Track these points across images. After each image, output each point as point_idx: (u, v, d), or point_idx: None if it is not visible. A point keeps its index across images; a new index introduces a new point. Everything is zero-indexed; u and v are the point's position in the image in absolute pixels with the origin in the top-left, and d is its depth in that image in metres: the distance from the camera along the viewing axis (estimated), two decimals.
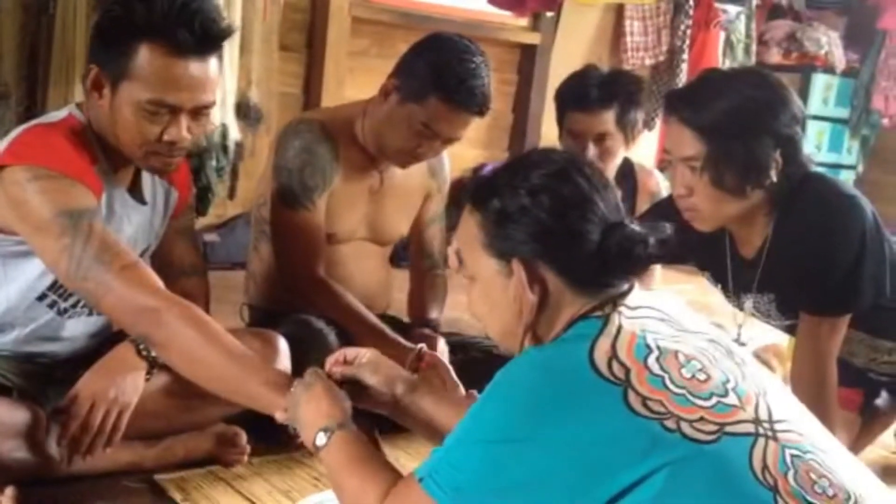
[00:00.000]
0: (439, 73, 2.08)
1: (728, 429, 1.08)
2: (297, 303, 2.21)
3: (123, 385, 1.65)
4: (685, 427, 1.06)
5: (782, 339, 2.48)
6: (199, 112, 1.68)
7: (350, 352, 1.51)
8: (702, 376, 1.12)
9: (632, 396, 1.08)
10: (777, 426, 1.11)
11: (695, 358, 1.13)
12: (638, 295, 1.22)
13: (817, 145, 5.74)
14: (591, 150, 2.56)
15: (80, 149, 1.66)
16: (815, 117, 5.68)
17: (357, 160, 2.26)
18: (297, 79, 4.29)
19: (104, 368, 1.66)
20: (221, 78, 1.79)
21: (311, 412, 1.35)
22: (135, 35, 1.61)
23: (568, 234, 1.20)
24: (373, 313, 2.19)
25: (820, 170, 2.01)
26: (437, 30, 2.28)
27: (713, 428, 1.07)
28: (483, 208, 1.25)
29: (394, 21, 4.50)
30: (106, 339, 1.77)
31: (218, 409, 1.82)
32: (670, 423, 1.06)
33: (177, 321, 1.53)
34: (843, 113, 5.89)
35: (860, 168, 6.04)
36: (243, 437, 1.89)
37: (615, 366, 1.10)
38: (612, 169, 2.65)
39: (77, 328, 1.79)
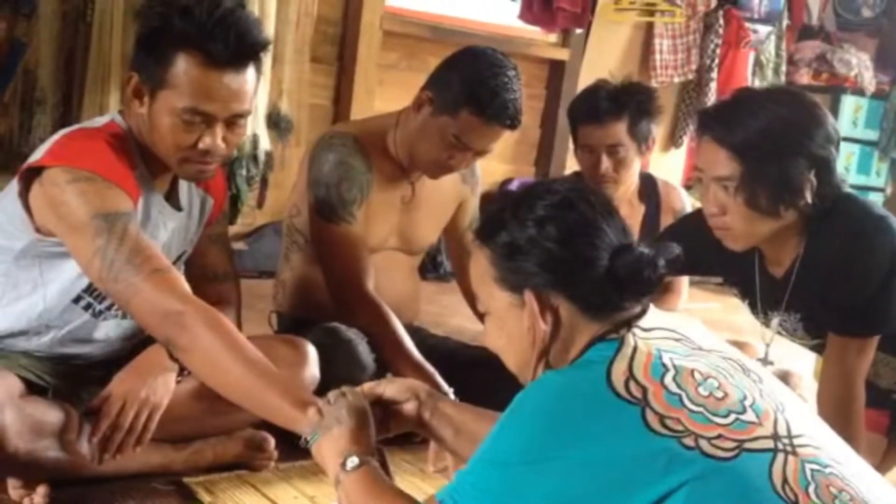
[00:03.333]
0: (472, 87, 2.10)
1: (747, 445, 1.08)
2: (327, 311, 2.23)
3: (155, 386, 1.68)
4: (704, 444, 1.07)
5: (810, 359, 2.47)
6: (234, 121, 1.71)
7: (366, 387, 1.49)
8: (719, 394, 1.12)
9: (650, 415, 1.09)
10: (796, 441, 1.11)
11: (711, 376, 1.14)
12: (652, 316, 1.23)
13: (846, 167, 5.71)
14: (605, 162, 2.59)
15: (119, 154, 1.69)
16: (844, 139, 5.59)
17: (389, 171, 2.28)
18: (328, 90, 4.33)
19: (136, 369, 1.70)
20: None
21: (351, 436, 1.35)
22: (173, 45, 1.65)
23: (576, 261, 1.21)
24: (401, 322, 2.20)
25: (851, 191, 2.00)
26: (466, 44, 2.30)
27: (732, 445, 1.08)
28: (492, 243, 1.27)
29: (424, 35, 4.53)
30: (140, 342, 1.79)
31: (247, 414, 1.82)
32: (688, 441, 1.07)
33: (201, 327, 1.54)
34: (873, 135, 5.86)
35: (889, 190, 6.00)
36: (271, 442, 1.91)
37: (632, 386, 1.11)
38: (628, 180, 2.66)
39: (111, 330, 1.81)
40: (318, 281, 2.28)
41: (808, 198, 1.81)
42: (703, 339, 1.23)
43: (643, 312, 1.23)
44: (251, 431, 1.91)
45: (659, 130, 3.04)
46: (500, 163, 4.84)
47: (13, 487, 1.65)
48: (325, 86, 4.29)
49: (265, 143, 3.79)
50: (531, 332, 1.23)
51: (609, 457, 1.08)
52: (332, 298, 2.24)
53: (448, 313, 3.53)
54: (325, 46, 4.26)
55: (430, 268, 4.26)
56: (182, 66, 1.65)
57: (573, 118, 2.66)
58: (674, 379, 1.12)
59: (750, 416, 1.11)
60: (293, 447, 1.88)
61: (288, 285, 2.39)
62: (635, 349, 1.15)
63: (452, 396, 1.92)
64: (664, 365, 1.13)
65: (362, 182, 2.23)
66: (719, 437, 1.08)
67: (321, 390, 1.55)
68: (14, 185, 1.69)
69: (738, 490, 1.06)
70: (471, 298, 2.48)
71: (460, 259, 2.54)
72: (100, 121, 1.79)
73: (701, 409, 1.10)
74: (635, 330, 1.19)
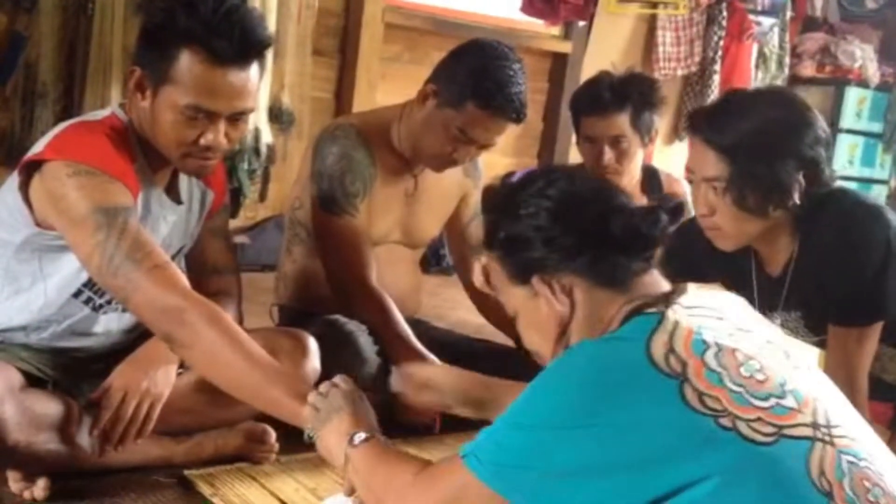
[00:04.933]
0: (478, 79, 2.10)
1: (786, 431, 1.06)
2: (329, 304, 2.22)
3: (156, 377, 1.68)
4: (741, 426, 1.05)
5: (815, 354, 2.47)
6: (236, 118, 1.71)
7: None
8: (760, 376, 1.10)
9: (688, 391, 1.06)
10: (834, 431, 1.09)
11: (753, 357, 1.12)
12: (694, 295, 1.21)
13: (850, 159, 5.70)
14: (608, 154, 2.58)
15: (120, 148, 1.68)
16: (849, 131, 5.64)
17: (392, 164, 2.28)
18: (330, 83, 4.32)
19: (137, 361, 1.70)
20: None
21: (352, 419, 1.38)
22: (177, 41, 1.64)
23: (572, 234, 1.23)
24: (402, 316, 2.20)
25: (850, 184, 2.00)
26: (469, 37, 2.30)
27: (771, 430, 1.06)
28: (494, 246, 1.29)
29: (426, 28, 4.52)
30: (141, 335, 1.79)
31: (248, 407, 1.81)
32: (726, 422, 1.05)
33: (201, 322, 1.54)
34: (877, 127, 5.84)
35: (893, 182, 5.98)
36: (272, 434, 1.91)
37: (672, 359, 1.09)
38: (631, 171, 2.66)
39: (111, 324, 1.81)
40: (320, 274, 2.28)
41: (797, 198, 1.82)
42: (745, 320, 1.21)
43: (683, 291, 1.21)
44: (252, 424, 1.91)
45: (662, 123, 3.03)
46: (502, 156, 4.83)
47: (13, 480, 1.65)
48: (327, 79, 4.28)
49: (267, 137, 3.79)
50: (552, 318, 1.24)
51: (640, 428, 1.06)
52: (333, 291, 2.24)
53: (450, 306, 3.53)
54: (327, 39, 4.25)
55: (432, 261, 4.25)
56: (185, 63, 1.64)
57: (576, 110, 2.65)
58: (715, 356, 1.10)
59: (790, 401, 1.09)
60: (294, 440, 1.89)
61: (289, 278, 2.39)
62: (676, 324, 1.13)
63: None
64: (705, 342, 1.11)
65: (365, 175, 2.22)
66: (758, 419, 1.06)
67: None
68: (14, 178, 1.68)
69: (773, 476, 1.03)
70: (472, 292, 2.50)
71: (461, 253, 2.54)
72: (100, 114, 1.78)
73: (741, 389, 1.07)
74: (676, 307, 1.16)
